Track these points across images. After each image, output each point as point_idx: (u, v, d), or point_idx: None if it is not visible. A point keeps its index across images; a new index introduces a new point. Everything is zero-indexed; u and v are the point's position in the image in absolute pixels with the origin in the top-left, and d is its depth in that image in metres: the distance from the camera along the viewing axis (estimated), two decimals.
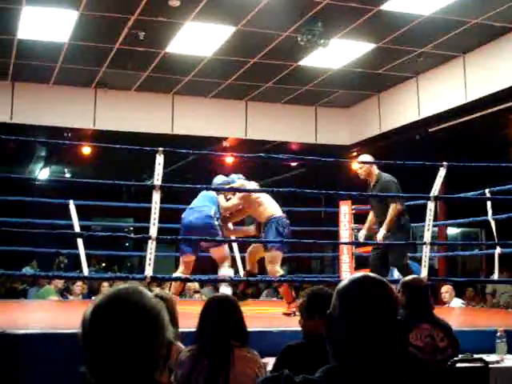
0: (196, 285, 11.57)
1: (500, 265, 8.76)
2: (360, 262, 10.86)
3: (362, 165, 7.75)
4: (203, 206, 7.43)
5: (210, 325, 3.57)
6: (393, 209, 7.33)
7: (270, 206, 7.46)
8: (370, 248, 10.58)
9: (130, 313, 1.59)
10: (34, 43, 9.82)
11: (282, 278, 7.19)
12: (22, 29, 9.28)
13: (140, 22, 9.02)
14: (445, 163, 6.89)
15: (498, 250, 8.74)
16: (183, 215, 7.45)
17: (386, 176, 7.68)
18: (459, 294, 10.35)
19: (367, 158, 7.79)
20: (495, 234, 8.71)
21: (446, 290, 9.32)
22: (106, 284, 10.07)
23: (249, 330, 3.72)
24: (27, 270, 13.13)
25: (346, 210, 10.13)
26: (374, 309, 1.71)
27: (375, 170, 7.78)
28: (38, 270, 14.11)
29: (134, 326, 1.58)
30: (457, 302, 9.51)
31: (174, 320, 4.04)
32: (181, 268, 7.52)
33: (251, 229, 7.84)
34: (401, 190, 7.50)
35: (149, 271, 5.94)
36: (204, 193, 7.64)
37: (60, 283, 10.87)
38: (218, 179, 7.86)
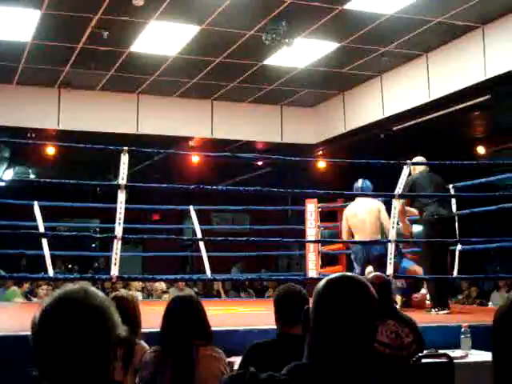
0: (163, 285, 11.55)
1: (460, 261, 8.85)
2: (327, 260, 10.93)
3: None
4: None
5: (173, 324, 3.57)
6: None
7: None
8: (335, 246, 10.68)
9: (76, 312, 1.60)
10: None
11: (249, 276, 7.20)
12: None
13: (104, 21, 8.96)
14: (408, 161, 6.96)
15: (458, 247, 8.84)
16: None
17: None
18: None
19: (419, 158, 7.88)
20: (457, 230, 8.80)
21: None
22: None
23: (215, 329, 3.73)
24: None
25: (312, 208, 10.19)
26: (350, 308, 1.71)
27: (413, 170, 7.80)
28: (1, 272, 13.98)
29: (82, 325, 1.59)
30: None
31: (137, 320, 4.04)
32: None
33: None
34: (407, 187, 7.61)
35: (115, 271, 5.92)
36: None
37: (26, 285, 10.80)
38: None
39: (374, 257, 7.79)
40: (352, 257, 8.22)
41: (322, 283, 1.79)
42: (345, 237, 8.17)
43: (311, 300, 1.79)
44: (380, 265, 7.38)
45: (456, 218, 8.16)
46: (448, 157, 8.15)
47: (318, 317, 1.73)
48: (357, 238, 7.97)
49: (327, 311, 1.72)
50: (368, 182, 8.20)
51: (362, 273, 7.84)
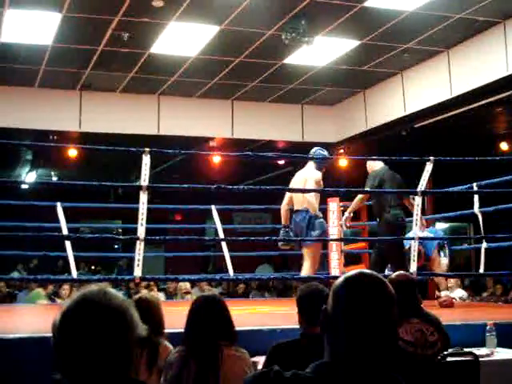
0: (188, 285, 11.55)
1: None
2: (349, 259, 10.89)
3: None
4: None
5: (197, 325, 3.56)
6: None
7: None
8: (359, 245, 10.63)
9: (96, 314, 1.62)
10: (18, 46, 9.77)
11: (272, 276, 7.21)
12: (5, 32, 9.23)
13: (124, 23, 8.99)
14: (431, 158, 6.91)
15: (484, 245, 8.77)
16: None
17: (372, 172, 7.91)
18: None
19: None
20: (482, 227, 8.73)
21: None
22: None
23: (239, 329, 3.72)
24: (15, 275, 13.09)
25: (334, 207, 10.13)
26: (368, 306, 1.70)
27: (373, 166, 7.93)
28: (26, 273, 14.08)
29: (102, 326, 1.61)
30: (459, 293, 9.56)
31: (160, 321, 4.05)
32: None
33: None
34: (376, 182, 7.68)
35: (138, 272, 5.93)
36: None
37: (50, 287, 10.85)
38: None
39: (295, 224, 7.82)
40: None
41: (339, 281, 1.78)
42: (283, 205, 8.13)
43: (329, 298, 1.77)
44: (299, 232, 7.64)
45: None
46: (470, 154, 8.09)
47: (337, 315, 1.72)
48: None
49: (345, 309, 1.71)
50: (320, 151, 8.15)
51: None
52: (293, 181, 8.05)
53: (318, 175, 7.82)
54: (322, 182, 7.84)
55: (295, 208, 7.91)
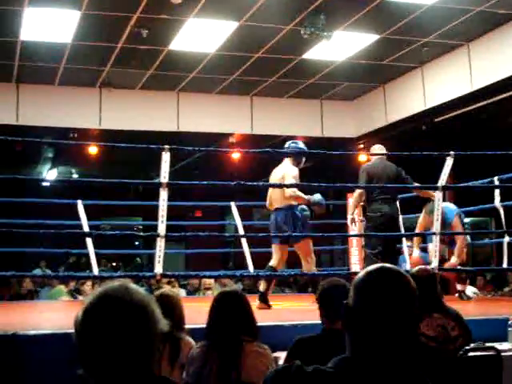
0: (211, 281, 11.56)
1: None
2: None
3: None
4: None
5: (219, 320, 3.57)
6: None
7: None
8: None
9: (118, 309, 1.63)
10: (38, 44, 9.83)
11: (293, 272, 7.19)
12: (25, 30, 9.29)
13: (142, 20, 9.01)
14: (452, 152, 6.86)
15: (506, 239, 8.70)
16: None
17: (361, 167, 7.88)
18: (470, 283, 10.32)
19: (375, 148, 7.93)
20: (503, 222, 8.67)
21: None
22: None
23: (260, 324, 3.72)
24: (37, 272, 13.17)
25: None
26: (390, 300, 1.70)
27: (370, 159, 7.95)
28: (47, 270, 14.17)
29: (123, 321, 1.62)
30: (470, 290, 9.49)
31: (181, 316, 4.07)
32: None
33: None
34: (364, 177, 7.61)
35: (159, 268, 5.96)
36: None
37: (72, 283, 10.92)
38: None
39: (276, 223, 7.67)
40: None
41: (360, 275, 1.77)
42: (267, 204, 8.03)
43: (350, 292, 1.77)
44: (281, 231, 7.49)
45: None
46: (492, 147, 8.02)
47: (358, 309, 1.72)
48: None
49: (367, 303, 1.71)
50: (295, 145, 7.92)
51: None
52: (271, 179, 7.88)
53: (295, 171, 7.68)
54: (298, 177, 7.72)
55: (275, 206, 7.72)
